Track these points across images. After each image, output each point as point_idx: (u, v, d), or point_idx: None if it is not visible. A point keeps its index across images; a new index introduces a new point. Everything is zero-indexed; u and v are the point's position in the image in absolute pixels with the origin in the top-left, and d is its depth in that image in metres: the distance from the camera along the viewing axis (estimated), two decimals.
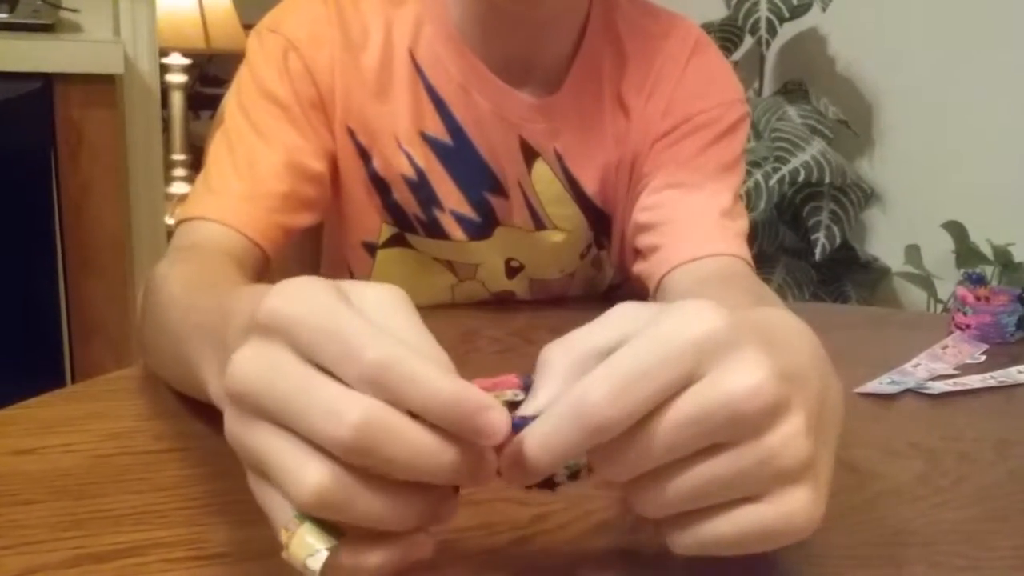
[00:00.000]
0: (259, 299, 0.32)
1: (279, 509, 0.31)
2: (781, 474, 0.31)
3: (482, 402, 0.30)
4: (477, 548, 0.40)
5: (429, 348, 0.32)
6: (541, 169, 0.77)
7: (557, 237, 0.80)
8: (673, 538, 0.33)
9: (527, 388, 0.34)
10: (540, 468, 0.31)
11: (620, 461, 0.31)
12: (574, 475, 0.34)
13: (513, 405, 0.34)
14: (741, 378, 0.30)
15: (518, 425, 0.31)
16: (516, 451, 0.31)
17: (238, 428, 0.32)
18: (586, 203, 0.79)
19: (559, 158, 0.77)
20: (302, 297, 0.31)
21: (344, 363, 0.30)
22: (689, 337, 0.31)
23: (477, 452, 0.31)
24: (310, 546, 0.30)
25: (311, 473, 0.29)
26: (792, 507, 0.32)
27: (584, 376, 0.31)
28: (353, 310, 0.31)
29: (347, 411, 0.29)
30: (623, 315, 0.34)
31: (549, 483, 0.34)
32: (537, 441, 0.31)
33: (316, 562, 0.29)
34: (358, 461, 0.29)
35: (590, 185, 0.78)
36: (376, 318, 0.32)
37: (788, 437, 0.31)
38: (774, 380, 0.31)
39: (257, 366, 0.31)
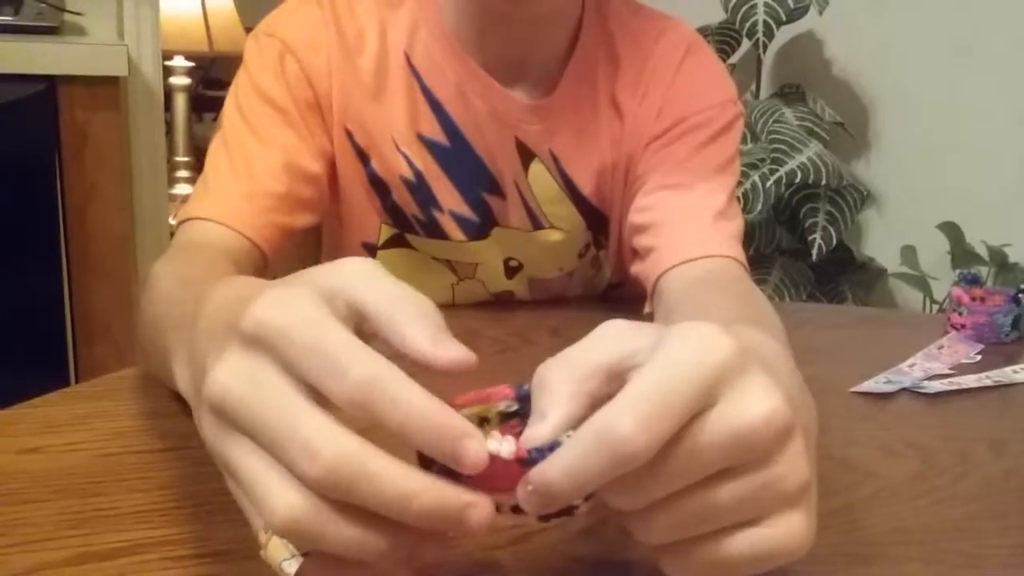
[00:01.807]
0: (241, 305, 0.31)
1: (256, 515, 0.31)
2: (782, 497, 0.31)
3: (464, 430, 0.30)
4: (477, 546, 0.40)
5: (417, 301, 0.32)
6: (537, 169, 0.77)
7: (555, 236, 0.81)
8: (670, 564, 0.33)
9: (520, 398, 0.34)
10: (565, 498, 0.31)
11: (634, 490, 0.31)
12: (589, 495, 0.33)
13: (506, 416, 0.33)
14: (757, 404, 0.30)
15: (535, 459, 0.31)
16: (539, 482, 0.30)
17: (215, 437, 0.31)
18: (582, 203, 0.79)
19: (554, 159, 0.77)
20: (288, 308, 0.31)
21: (329, 380, 0.29)
22: (707, 363, 0.30)
23: (461, 502, 0.30)
24: (287, 550, 0.30)
25: (283, 502, 0.29)
26: (789, 530, 0.32)
27: (604, 405, 0.30)
28: (338, 322, 0.30)
29: (322, 449, 0.28)
30: (617, 331, 0.33)
31: (567, 509, 0.33)
32: (562, 472, 0.30)
33: (291, 566, 0.30)
34: (331, 496, 0.29)
35: (586, 185, 0.78)
36: (360, 287, 0.32)
37: (792, 462, 0.31)
38: (785, 406, 0.31)
39: (239, 381, 0.30)
